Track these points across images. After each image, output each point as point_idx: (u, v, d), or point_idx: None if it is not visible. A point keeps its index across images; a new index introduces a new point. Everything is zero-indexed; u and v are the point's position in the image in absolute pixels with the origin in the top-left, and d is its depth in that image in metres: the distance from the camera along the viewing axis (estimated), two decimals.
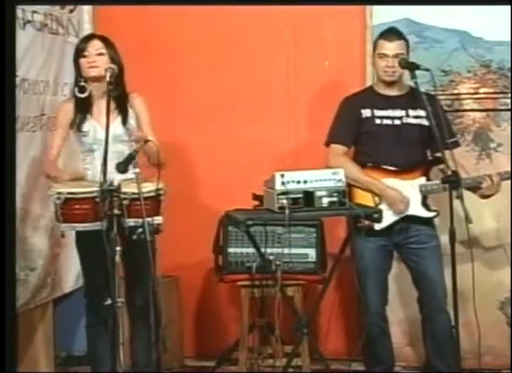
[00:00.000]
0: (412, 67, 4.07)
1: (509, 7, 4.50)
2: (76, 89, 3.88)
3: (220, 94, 4.96)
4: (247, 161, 4.90)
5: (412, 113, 4.21)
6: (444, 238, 4.04)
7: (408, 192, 4.15)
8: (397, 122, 4.21)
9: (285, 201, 3.87)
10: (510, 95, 4.67)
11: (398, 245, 4.23)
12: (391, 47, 4.13)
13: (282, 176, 3.89)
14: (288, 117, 4.92)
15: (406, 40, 4.20)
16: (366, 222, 4.01)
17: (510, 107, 4.68)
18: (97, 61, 3.85)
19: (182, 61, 5.00)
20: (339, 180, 3.93)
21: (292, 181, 3.89)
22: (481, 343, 4.08)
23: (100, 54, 3.87)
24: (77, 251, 3.93)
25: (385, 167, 4.17)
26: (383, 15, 4.68)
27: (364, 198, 4.14)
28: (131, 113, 3.93)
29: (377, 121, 4.21)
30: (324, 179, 3.92)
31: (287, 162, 4.76)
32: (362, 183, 4.14)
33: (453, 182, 3.86)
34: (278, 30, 4.91)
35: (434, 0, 4.60)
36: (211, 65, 4.98)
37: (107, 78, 3.71)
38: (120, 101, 3.90)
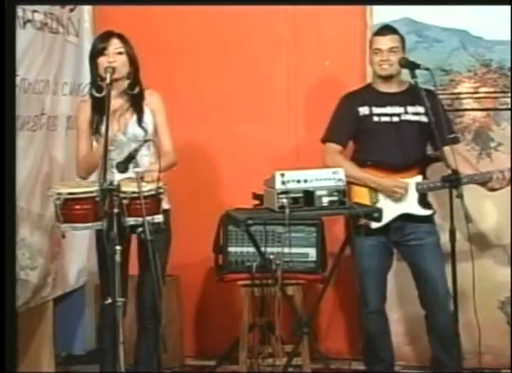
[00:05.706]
0: (412, 66, 4.07)
1: (509, 7, 4.50)
2: (93, 89, 3.84)
3: (220, 93, 4.96)
4: (247, 160, 4.91)
5: (410, 109, 4.20)
6: (445, 237, 4.04)
7: None
8: (395, 119, 4.20)
9: (285, 200, 3.87)
10: (510, 94, 4.67)
11: (397, 242, 4.23)
12: (384, 42, 4.14)
13: (282, 175, 3.89)
14: (288, 116, 4.93)
15: (401, 36, 4.20)
16: (363, 221, 4.02)
17: (510, 106, 4.68)
18: (117, 61, 3.80)
19: (182, 61, 5.00)
20: (339, 179, 3.93)
21: (293, 180, 3.89)
22: (481, 342, 4.06)
23: (119, 54, 3.83)
24: (96, 250, 3.91)
25: (383, 165, 4.16)
26: (383, 15, 4.68)
27: (361, 196, 4.14)
28: (147, 111, 3.89)
29: (375, 119, 4.20)
30: (324, 178, 3.93)
31: (287, 161, 4.76)
32: (357, 179, 4.13)
33: (453, 181, 3.87)
34: (278, 30, 4.91)
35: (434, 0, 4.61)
36: (211, 65, 4.98)
37: (108, 80, 3.70)
38: (135, 100, 3.88)
